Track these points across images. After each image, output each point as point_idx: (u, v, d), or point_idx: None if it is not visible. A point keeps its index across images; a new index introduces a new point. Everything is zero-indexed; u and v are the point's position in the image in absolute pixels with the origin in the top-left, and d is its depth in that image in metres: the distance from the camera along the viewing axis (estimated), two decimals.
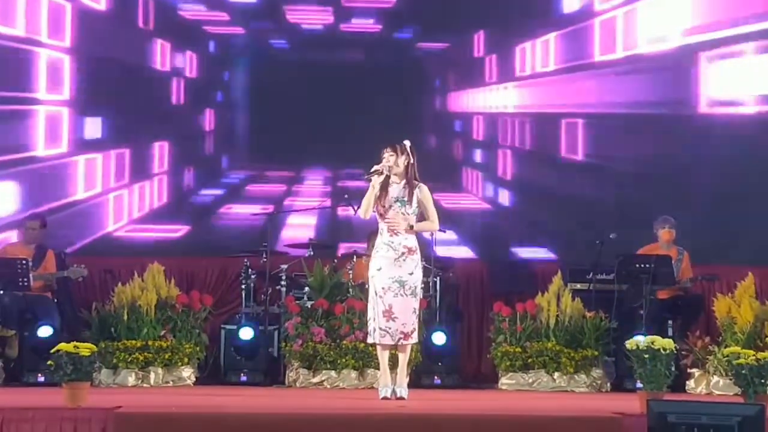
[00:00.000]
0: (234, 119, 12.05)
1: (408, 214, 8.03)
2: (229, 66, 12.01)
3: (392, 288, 7.97)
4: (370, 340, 8.14)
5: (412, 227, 8.01)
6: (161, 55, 11.87)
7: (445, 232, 10.84)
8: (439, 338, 9.90)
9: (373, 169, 8.00)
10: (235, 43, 11.98)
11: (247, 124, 12.02)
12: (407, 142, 8.09)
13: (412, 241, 8.06)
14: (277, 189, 11.91)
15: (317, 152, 11.75)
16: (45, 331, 9.59)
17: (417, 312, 8.14)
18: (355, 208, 10.47)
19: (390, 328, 7.98)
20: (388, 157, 8.01)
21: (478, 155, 12.07)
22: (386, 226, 8.02)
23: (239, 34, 11.94)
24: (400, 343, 8.04)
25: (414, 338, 8.13)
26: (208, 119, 12.01)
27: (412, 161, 8.06)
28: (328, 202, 11.62)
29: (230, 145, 12.03)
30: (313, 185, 11.91)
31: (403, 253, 8.00)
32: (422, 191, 8.09)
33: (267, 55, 11.94)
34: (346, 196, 10.93)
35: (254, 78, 11.93)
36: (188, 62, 11.95)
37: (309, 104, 11.61)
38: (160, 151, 11.86)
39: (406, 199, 8.02)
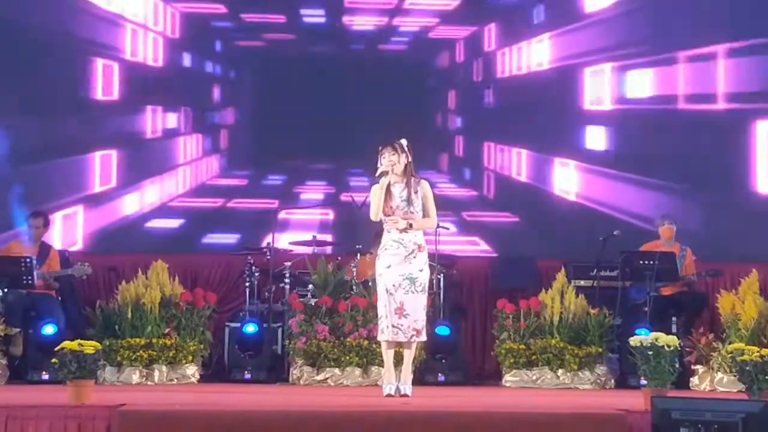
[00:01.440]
0: (236, 117, 12.03)
1: (415, 212, 8.06)
2: (232, 63, 11.99)
3: (403, 285, 8.00)
4: (382, 338, 8.12)
5: (411, 225, 8.02)
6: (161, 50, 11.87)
7: (448, 229, 10.87)
8: (442, 331, 9.91)
9: (380, 172, 8.02)
10: (237, 41, 11.95)
11: (250, 122, 12.00)
12: (404, 141, 8.10)
13: (420, 238, 8.11)
14: (280, 187, 11.91)
15: (321, 150, 11.72)
16: (48, 330, 9.59)
17: (425, 308, 8.19)
18: (359, 203, 10.48)
19: (402, 325, 8.00)
20: (389, 156, 8.03)
21: (484, 153, 12.05)
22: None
23: (241, 31, 11.91)
24: (412, 340, 8.06)
25: (424, 335, 8.16)
26: (212, 117, 12.00)
27: (410, 159, 8.09)
28: (330, 200, 11.60)
29: (234, 144, 12.01)
30: (316, 182, 11.90)
31: (413, 251, 8.04)
32: (423, 187, 8.12)
33: (270, 51, 11.90)
34: (350, 193, 10.92)
35: (256, 75, 11.91)
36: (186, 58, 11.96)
37: (312, 101, 11.58)
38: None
39: (410, 198, 8.04)
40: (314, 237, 10.97)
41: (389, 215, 8.04)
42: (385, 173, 7.99)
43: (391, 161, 8.01)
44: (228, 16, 11.88)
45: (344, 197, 11.11)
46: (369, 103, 11.51)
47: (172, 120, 11.87)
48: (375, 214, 8.06)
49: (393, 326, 8.00)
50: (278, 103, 11.65)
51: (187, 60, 11.92)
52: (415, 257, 8.03)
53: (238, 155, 11.99)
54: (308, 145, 11.69)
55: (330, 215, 11.70)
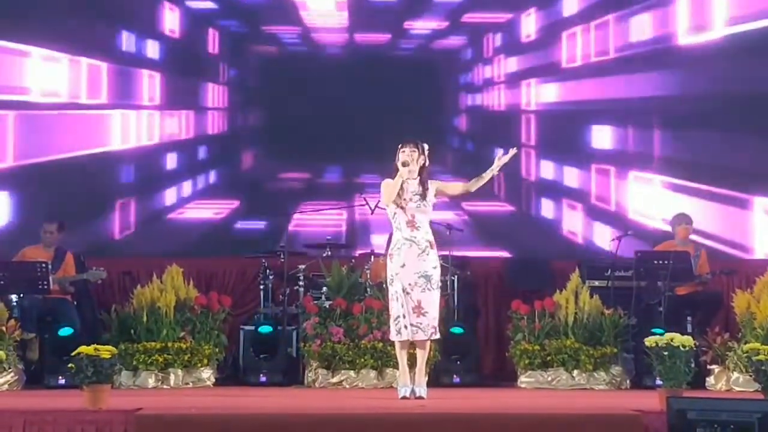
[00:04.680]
0: (249, 119, 12.03)
1: (428, 207, 8.10)
2: (242, 64, 11.98)
3: (419, 283, 8.02)
4: (399, 338, 8.08)
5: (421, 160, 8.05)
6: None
7: (462, 231, 10.87)
8: (456, 330, 9.93)
9: (401, 161, 8.04)
10: (248, 40, 11.93)
11: (262, 124, 12.00)
12: (426, 145, 8.15)
13: (431, 235, 8.14)
14: (294, 189, 11.91)
15: (334, 151, 11.71)
16: (65, 331, 9.63)
17: (439, 306, 8.22)
18: (372, 206, 10.49)
19: (421, 324, 8.02)
20: (410, 152, 8.07)
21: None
22: (405, 222, 8.05)
23: (252, 33, 11.89)
24: (431, 338, 8.08)
25: (438, 332, 8.18)
26: (222, 119, 11.99)
27: (427, 163, 8.15)
28: (344, 203, 11.61)
29: (245, 146, 12.01)
30: (330, 185, 11.89)
31: (425, 248, 8.05)
32: (434, 183, 8.16)
33: (280, 52, 11.89)
34: (362, 195, 10.93)
35: (268, 76, 11.90)
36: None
37: (324, 102, 11.57)
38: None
39: (424, 193, 8.09)
40: (328, 239, 10.99)
41: (402, 207, 8.06)
42: (405, 163, 8.02)
43: (412, 157, 8.05)
44: (236, 19, 11.87)
45: (358, 200, 11.10)
46: (380, 105, 11.48)
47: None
48: (388, 197, 8.06)
49: (412, 325, 8.01)
50: (289, 106, 11.64)
51: (195, 63, 11.90)
52: (427, 254, 8.06)
53: (249, 158, 11.98)
54: (321, 148, 11.67)
55: (344, 217, 11.68)
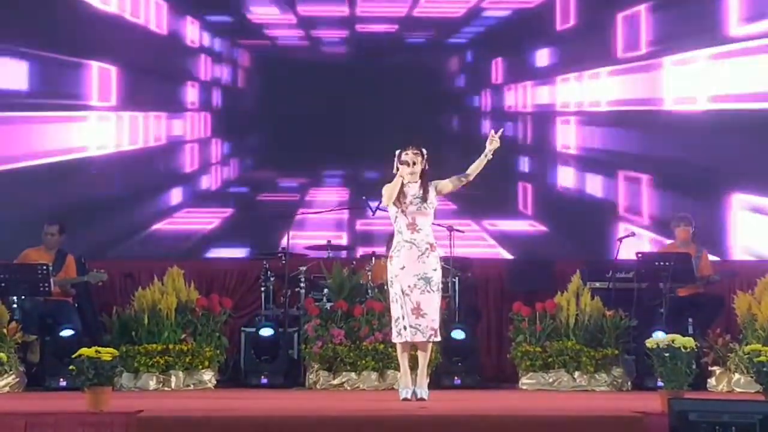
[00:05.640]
0: (249, 122, 12.00)
1: (428, 209, 8.11)
2: (242, 68, 11.96)
3: (418, 285, 8.03)
4: (399, 340, 8.10)
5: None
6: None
7: (463, 232, 10.87)
8: (457, 335, 9.91)
9: (404, 159, 8.06)
10: (247, 45, 11.86)
11: (263, 127, 11.98)
12: (424, 150, 8.16)
13: (432, 238, 8.16)
14: (295, 192, 11.90)
15: (334, 154, 11.70)
16: (66, 332, 9.63)
17: (440, 308, 8.22)
18: (373, 208, 10.50)
19: (420, 325, 8.03)
20: (413, 156, 8.08)
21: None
22: (405, 224, 8.06)
23: (251, 36, 11.79)
24: (430, 340, 8.09)
25: (439, 335, 8.19)
26: (224, 122, 11.96)
27: (427, 168, 8.16)
28: (346, 205, 11.60)
29: (246, 149, 11.99)
30: (331, 187, 11.89)
31: (425, 250, 8.07)
32: (432, 184, 8.14)
33: (281, 55, 11.83)
34: (363, 197, 10.93)
35: (268, 81, 11.88)
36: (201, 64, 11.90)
37: (325, 104, 11.52)
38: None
39: (424, 196, 8.10)
40: (329, 241, 11.00)
41: (402, 210, 8.07)
42: (406, 163, 8.03)
43: (415, 160, 8.07)
44: (239, 18, 11.78)
45: (361, 203, 11.09)
46: (384, 107, 11.41)
47: (179, 126, 11.79)
48: (388, 197, 8.07)
49: (411, 327, 8.03)
50: (291, 107, 11.60)
51: (195, 63, 11.85)
52: (428, 257, 8.07)
53: (252, 159, 11.95)
54: (323, 149, 11.62)
55: (345, 219, 11.68)
